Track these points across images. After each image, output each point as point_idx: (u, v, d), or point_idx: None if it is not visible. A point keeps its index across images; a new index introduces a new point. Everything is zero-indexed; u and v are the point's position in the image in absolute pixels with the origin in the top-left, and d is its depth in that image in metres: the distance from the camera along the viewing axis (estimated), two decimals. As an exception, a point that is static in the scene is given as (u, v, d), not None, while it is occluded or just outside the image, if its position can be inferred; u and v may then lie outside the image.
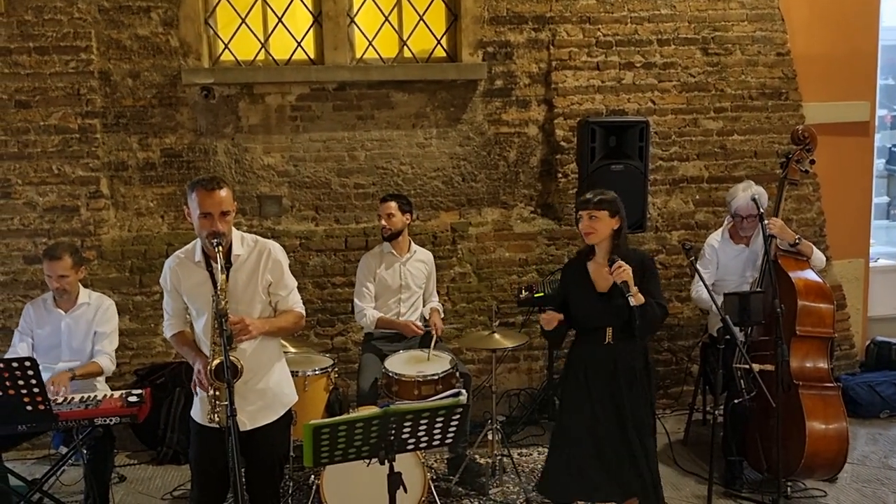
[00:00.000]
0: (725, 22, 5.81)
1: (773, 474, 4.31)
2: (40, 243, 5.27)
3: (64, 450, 4.37)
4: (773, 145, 5.92)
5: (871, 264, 6.46)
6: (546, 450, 5.06)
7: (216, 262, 3.19)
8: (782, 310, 4.20)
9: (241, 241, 3.36)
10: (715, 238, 4.89)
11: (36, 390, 3.54)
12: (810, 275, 4.57)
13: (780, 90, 5.90)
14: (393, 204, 4.82)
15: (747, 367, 4.14)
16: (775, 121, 5.92)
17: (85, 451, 4.03)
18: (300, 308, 3.48)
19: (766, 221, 4.53)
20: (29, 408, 3.58)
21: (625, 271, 3.47)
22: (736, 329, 4.05)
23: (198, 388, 3.29)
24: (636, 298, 3.47)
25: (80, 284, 4.42)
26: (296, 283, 3.50)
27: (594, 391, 3.62)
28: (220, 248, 3.15)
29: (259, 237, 3.44)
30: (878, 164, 6.72)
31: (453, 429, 3.00)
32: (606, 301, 3.60)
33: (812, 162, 4.72)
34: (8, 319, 5.28)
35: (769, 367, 4.18)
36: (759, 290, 4.45)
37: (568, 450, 3.67)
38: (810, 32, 5.97)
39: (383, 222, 4.84)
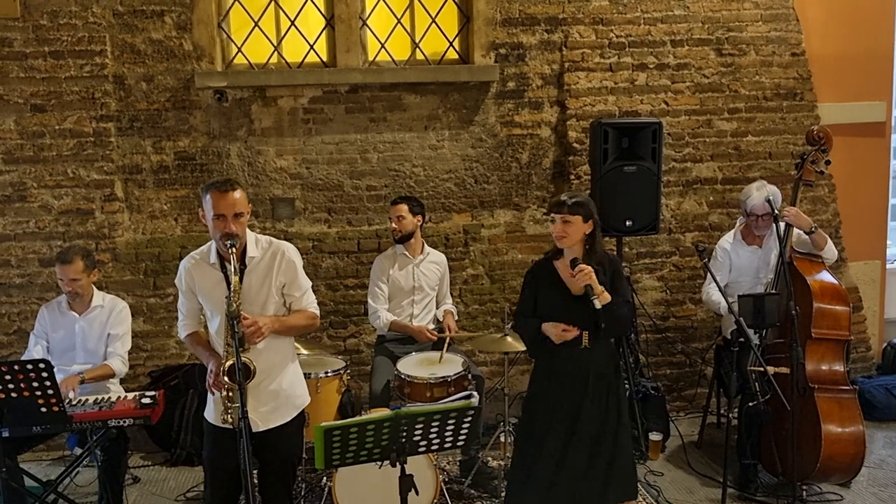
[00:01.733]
0: (739, 22, 5.78)
1: (789, 478, 4.28)
2: (55, 246, 5.31)
3: (79, 451, 4.40)
4: (787, 146, 5.88)
5: (888, 266, 6.39)
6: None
7: (230, 264, 3.20)
8: (797, 312, 4.17)
9: (256, 243, 3.37)
10: (727, 240, 4.86)
11: (50, 392, 3.56)
12: (826, 276, 4.53)
13: (794, 91, 5.86)
14: (404, 206, 4.83)
15: (762, 369, 4.10)
16: (790, 121, 5.88)
17: (99, 453, 4.05)
18: (314, 308, 3.48)
19: (780, 222, 4.50)
20: (43, 409, 3.60)
21: (586, 273, 3.37)
22: (750, 331, 4.02)
23: (213, 389, 3.30)
24: (602, 298, 3.38)
25: (93, 287, 4.45)
26: (310, 284, 3.50)
27: (567, 396, 3.53)
28: (234, 249, 3.17)
29: (273, 239, 3.45)
30: (895, 164, 6.64)
31: (465, 431, 2.99)
32: (582, 303, 3.46)
33: (827, 163, 4.68)
34: (24, 322, 5.33)
35: (784, 370, 4.15)
36: (773, 291, 4.42)
37: (533, 456, 3.57)
38: (826, 32, 5.93)
39: (394, 225, 4.85)
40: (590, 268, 3.40)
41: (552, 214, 3.54)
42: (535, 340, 3.61)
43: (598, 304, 3.36)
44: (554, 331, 3.50)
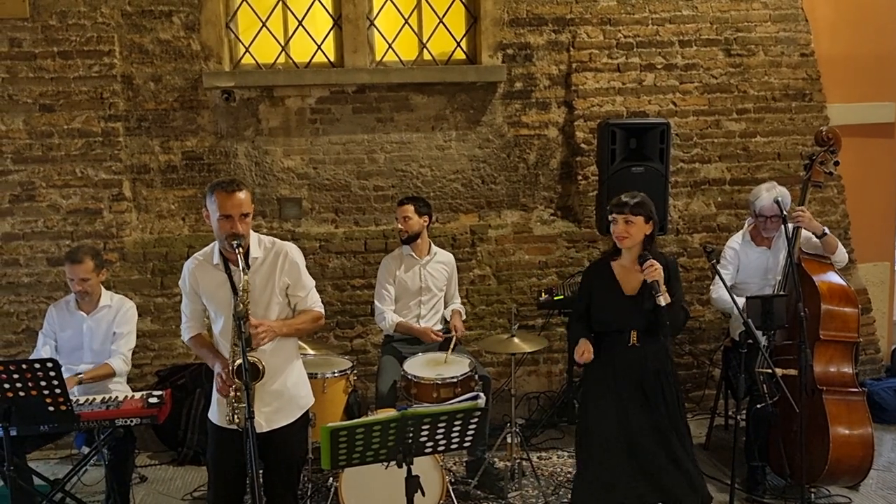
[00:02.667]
0: (748, 23, 5.76)
1: (797, 480, 4.26)
2: (64, 245, 5.33)
3: (86, 450, 4.41)
4: (796, 147, 5.86)
5: (898, 267, 6.37)
6: (565, 454, 5.08)
7: (235, 265, 3.20)
8: (806, 314, 4.15)
9: (259, 244, 3.37)
10: (735, 240, 4.84)
11: (58, 391, 3.57)
12: (834, 278, 4.51)
13: (803, 91, 5.84)
14: (410, 207, 4.82)
15: (770, 371, 4.09)
16: (799, 122, 5.85)
17: (106, 452, 4.06)
18: (319, 308, 3.49)
19: (789, 224, 4.48)
20: (51, 408, 3.60)
21: (656, 270, 3.45)
22: (758, 333, 4.00)
23: (222, 392, 3.29)
24: (665, 298, 3.44)
25: (101, 287, 4.46)
26: (314, 283, 3.50)
27: (622, 393, 3.59)
28: (240, 249, 3.17)
29: (276, 239, 3.45)
30: (905, 165, 6.60)
31: (471, 432, 2.99)
32: (634, 303, 3.58)
33: (836, 164, 4.66)
34: (32, 321, 5.34)
35: (792, 372, 4.13)
36: (782, 293, 4.40)
37: (599, 457, 3.61)
38: (835, 33, 5.90)
39: (400, 225, 4.84)
40: (659, 265, 3.47)
41: (613, 215, 3.59)
42: (571, 346, 3.74)
43: (662, 301, 3.42)
44: (578, 349, 3.60)
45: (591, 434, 3.68)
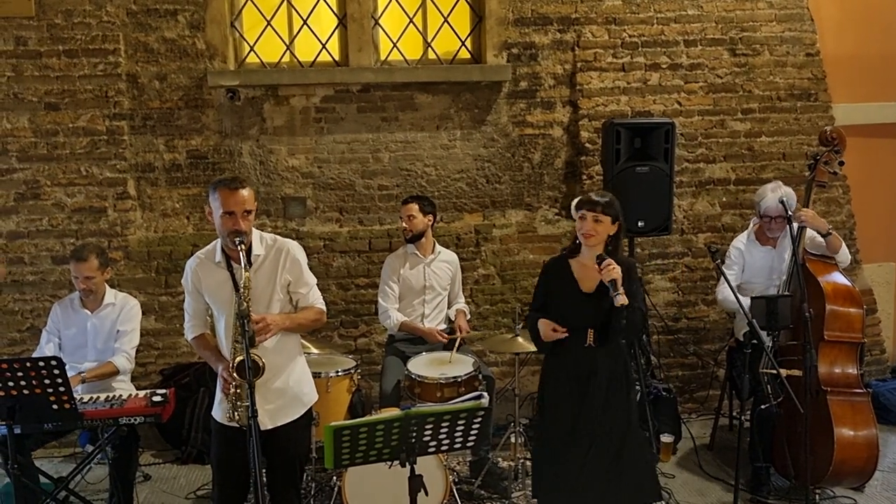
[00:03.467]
0: (753, 22, 5.74)
1: (801, 481, 4.25)
2: (68, 244, 5.34)
3: (90, 448, 4.42)
4: (801, 147, 5.84)
5: (903, 268, 6.35)
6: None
7: (237, 262, 3.20)
8: (811, 314, 4.14)
9: (261, 241, 3.37)
10: (741, 240, 4.83)
11: (62, 389, 3.57)
12: (839, 278, 4.49)
13: (809, 91, 5.82)
14: (414, 206, 4.82)
15: (774, 371, 4.07)
16: (804, 122, 5.84)
17: (110, 450, 4.06)
18: (321, 304, 3.49)
19: (794, 224, 4.47)
20: (55, 406, 3.61)
21: (614, 269, 3.38)
22: (763, 333, 3.99)
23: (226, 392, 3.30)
24: (622, 298, 3.35)
25: (106, 285, 4.47)
26: (315, 280, 3.51)
27: (579, 393, 3.53)
28: (243, 246, 3.17)
29: (277, 236, 3.45)
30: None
31: (475, 432, 2.99)
32: (591, 301, 3.51)
33: (841, 164, 4.64)
34: (36, 319, 5.35)
35: (797, 373, 4.12)
36: (786, 293, 4.38)
37: (555, 464, 3.58)
38: (840, 33, 5.89)
39: (404, 224, 4.85)
40: (617, 265, 3.41)
41: (583, 211, 3.52)
42: (537, 336, 3.62)
43: (618, 301, 3.34)
44: (545, 328, 3.53)
45: (548, 442, 3.64)
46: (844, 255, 4.61)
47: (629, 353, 3.77)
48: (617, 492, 3.51)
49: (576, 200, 3.66)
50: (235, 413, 3.18)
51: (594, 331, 3.51)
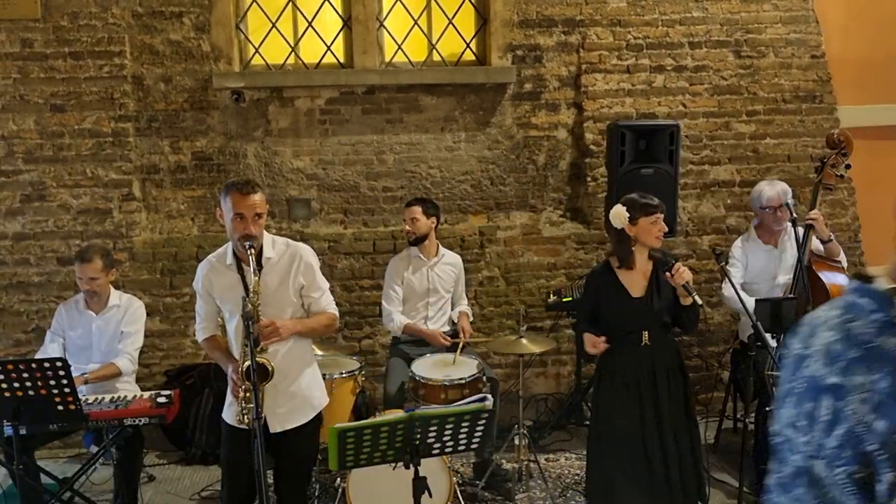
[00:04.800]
0: (758, 24, 5.73)
1: (806, 484, 4.23)
2: (74, 245, 5.36)
3: (95, 449, 4.43)
4: (807, 149, 5.83)
5: (909, 271, 6.32)
6: (573, 456, 5.08)
7: (248, 265, 3.21)
8: (815, 316, 4.12)
9: (272, 244, 3.38)
10: (742, 240, 4.84)
11: (67, 390, 3.58)
12: (845, 280, 4.48)
13: (814, 93, 5.81)
14: (417, 208, 4.83)
15: (779, 374, 4.05)
16: (809, 124, 5.83)
17: (114, 451, 4.07)
18: (333, 309, 3.50)
19: (799, 226, 4.46)
20: (60, 407, 3.62)
21: (685, 271, 3.49)
22: (767, 335, 3.98)
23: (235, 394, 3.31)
24: (697, 297, 3.49)
25: (111, 286, 4.48)
26: (328, 285, 3.52)
27: (635, 393, 3.62)
28: (253, 250, 3.18)
29: (290, 240, 3.47)
30: (916, 168, 6.56)
31: (479, 434, 2.99)
32: (643, 304, 3.62)
33: (847, 166, 4.64)
34: (42, 320, 5.37)
35: (801, 375, 4.10)
36: (791, 296, 4.37)
37: (619, 459, 3.64)
38: (846, 34, 5.87)
39: (408, 227, 4.85)
40: (683, 266, 3.52)
41: (655, 216, 3.61)
42: (581, 351, 3.78)
43: (699, 300, 3.48)
44: (587, 344, 3.60)
45: (610, 440, 3.69)
46: (844, 263, 4.61)
47: (677, 345, 3.86)
48: (668, 487, 3.58)
49: (622, 208, 3.62)
50: (245, 416, 3.18)
51: (649, 331, 3.60)
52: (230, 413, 3.39)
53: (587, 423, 5.39)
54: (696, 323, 3.70)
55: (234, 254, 3.34)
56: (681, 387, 3.69)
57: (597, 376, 3.83)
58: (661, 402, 3.61)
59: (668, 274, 3.52)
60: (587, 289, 3.84)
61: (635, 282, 3.65)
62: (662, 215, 3.64)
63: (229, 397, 3.39)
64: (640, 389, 3.62)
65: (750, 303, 4.08)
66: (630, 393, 3.63)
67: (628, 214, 3.61)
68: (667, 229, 3.65)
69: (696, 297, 3.47)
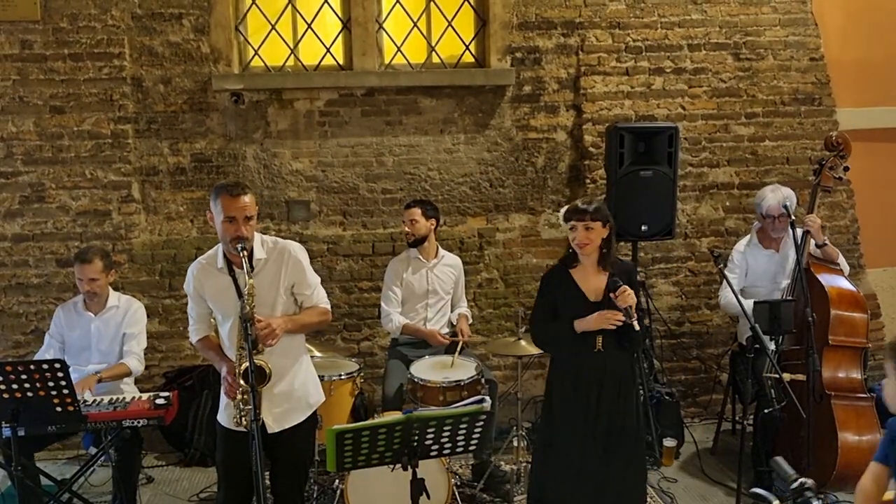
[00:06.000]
0: (757, 27, 5.74)
1: (804, 486, 4.23)
2: (73, 247, 5.36)
3: (93, 450, 4.43)
4: (805, 151, 5.83)
5: (907, 273, 6.34)
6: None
7: (240, 268, 3.20)
8: (814, 319, 4.14)
9: (262, 245, 3.37)
10: (742, 244, 4.85)
11: (66, 392, 3.58)
12: (844, 283, 4.49)
13: (813, 96, 5.81)
14: (417, 210, 4.83)
15: (778, 376, 4.07)
16: (808, 127, 5.83)
17: (113, 453, 4.07)
18: (325, 303, 3.50)
19: (797, 227, 4.47)
20: (59, 409, 3.62)
21: (629, 295, 3.43)
22: (766, 338, 3.99)
23: (229, 395, 3.30)
24: (636, 324, 3.43)
25: (109, 288, 4.48)
26: (318, 280, 3.51)
27: (583, 399, 3.57)
28: (245, 252, 3.17)
29: (278, 238, 3.45)
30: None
31: (477, 436, 2.99)
32: (598, 309, 3.53)
33: (846, 169, 4.65)
34: (41, 322, 5.37)
35: (800, 377, 4.11)
36: (789, 298, 4.38)
37: (555, 461, 3.64)
38: (844, 37, 5.88)
39: (407, 228, 4.85)
40: (631, 290, 3.45)
41: (573, 222, 3.55)
42: (561, 343, 3.64)
43: (637, 326, 3.42)
44: (606, 317, 3.48)
45: (555, 436, 3.66)
46: (843, 266, 4.62)
47: (633, 356, 3.80)
48: (609, 494, 3.56)
49: (562, 211, 3.65)
50: (242, 418, 3.18)
51: (602, 337, 3.53)
52: (225, 416, 3.38)
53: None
54: (635, 346, 3.62)
55: (226, 256, 3.33)
56: (631, 397, 3.63)
57: (548, 378, 3.77)
58: (605, 413, 3.55)
59: (612, 294, 3.47)
60: (543, 288, 3.74)
61: (592, 285, 3.58)
62: (584, 223, 3.50)
63: (223, 400, 3.39)
64: (589, 395, 3.56)
65: (748, 306, 4.09)
66: (578, 397, 3.58)
67: (564, 217, 3.60)
68: (588, 241, 3.50)
69: (635, 324, 3.41)
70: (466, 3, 5.71)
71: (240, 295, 3.17)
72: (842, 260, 4.61)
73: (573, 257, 3.63)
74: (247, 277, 3.14)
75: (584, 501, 3.59)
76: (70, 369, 3.64)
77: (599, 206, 3.55)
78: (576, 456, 3.57)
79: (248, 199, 3.24)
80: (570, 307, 3.58)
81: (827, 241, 4.56)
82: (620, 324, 3.46)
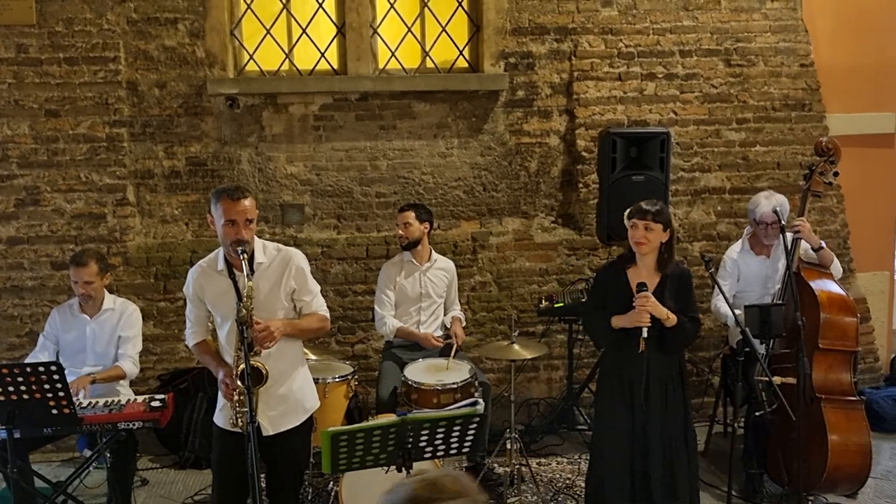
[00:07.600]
0: (748, 33, 5.79)
1: (795, 488, 4.27)
2: (68, 250, 5.37)
3: (88, 453, 4.44)
4: (796, 157, 5.89)
5: (897, 277, 6.39)
6: (564, 460, 5.12)
7: (239, 270, 3.23)
8: (803, 322, 4.17)
9: (263, 249, 3.40)
10: (734, 250, 4.87)
11: (61, 394, 3.59)
12: (834, 287, 4.52)
13: (803, 101, 5.87)
14: (410, 213, 4.85)
15: (768, 379, 4.11)
16: (798, 132, 5.88)
17: (108, 455, 4.07)
18: (325, 311, 3.52)
19: (787, 233, 4.51)
20: (54, 411, 3.63)
21: (648, 304, 3.51)
22: (756, 342, 4.02)
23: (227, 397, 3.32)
24: (669, 321, 3.53)
25: (105, 290, 4.49)
26: (318, 288, 3.54)
27: (628, 396, 3.66)
28: (245, 255, 3.20)
29: (280, 245, 3.48)
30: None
31: (470, 438, 3.02)
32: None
33: (836, 174, 4.69)
34: (35, 324, 5.37)
35: (791, 381, 4.15)
36: (779, 302, 4.42)
37: (610, 457, 3.72)
38: (834, 43, 5.94)
39: (400, 231, 4.88)
40: (653, 299, 3.53)
41: (634, 220, 3.63)
42: (599, 335, 3.82)
43: (645, 334, 3.50)
44: (633, 317, 3.56)
45: (604, 440, 3.79)
46: (837, 269, 4.65)
47: (680, 360, 3.87)
48: (659, 491, 3.65)
49: (628, 210, 3.72)
50: (238, 420, 3.20)
51: (645, 338, 3.57)
52: (222, 416, 3.40)
53: (579, 427, 5.46)
54: (673, 345, 3.67)
55: (226, 259, 3.35)
56: (679, 397, 3.71)
57: (599, 376, 3.90)
58: (652, 412, 3.64)
59: (635, 294, 3.56)
60: (597, 281, 3.89)
61: (634, 304, 3.62)
62: (645, 223, 3.60)
63: (221, 400, 3.41)
64: (633, 394, 3.65)
65: (736, 315, 4.14)
66: (623, 394, 3.67)
67: (627, 215, 3.69)
68: (645, 240, 3.60)
69: (641, 343, 3.50)
70: (460, 8, 5.75)
71: (239, 298, 3.20)
72: (836, 263, 4.64)
73: (630, 256, 3.71)
74: (246, 280, 3.17)
75: (639, 497, 3.67)
76: (65, 371, 3.65)
77: (662, 209, 3.65)
78: (624, 455, 3.66)
79: (248, 202, 3.27)
80: (617, 303, 3.66)
81: (823, 245, 4.59)
82: (647, 325, 3.53)
